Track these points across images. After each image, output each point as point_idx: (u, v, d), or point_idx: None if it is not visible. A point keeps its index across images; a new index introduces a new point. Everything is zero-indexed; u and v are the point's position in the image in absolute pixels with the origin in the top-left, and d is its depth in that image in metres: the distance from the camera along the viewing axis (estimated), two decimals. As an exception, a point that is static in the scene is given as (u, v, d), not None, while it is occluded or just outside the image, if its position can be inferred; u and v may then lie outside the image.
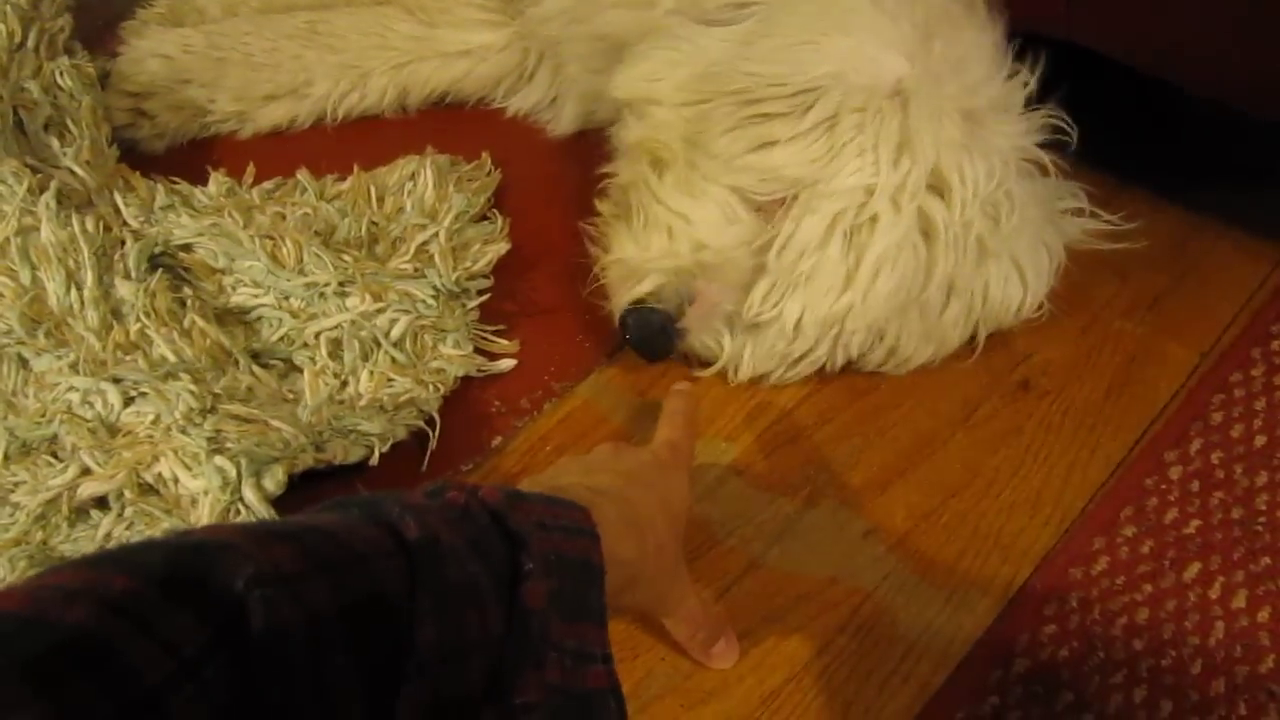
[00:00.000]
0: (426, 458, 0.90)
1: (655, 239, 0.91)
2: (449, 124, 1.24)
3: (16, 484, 0.83)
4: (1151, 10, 0.97)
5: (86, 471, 0.82)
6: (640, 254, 0.91)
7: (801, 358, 0.92)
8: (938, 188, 0.87)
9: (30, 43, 1.11)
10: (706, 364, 0.95)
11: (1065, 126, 0.94)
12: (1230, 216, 1.13)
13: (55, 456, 0.84)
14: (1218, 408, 0.96)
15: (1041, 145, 0.94)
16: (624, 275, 0.92)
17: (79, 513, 0.81)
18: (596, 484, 0.69)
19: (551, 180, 1.16)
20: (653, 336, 0.90)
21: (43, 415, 0.85)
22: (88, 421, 0.84)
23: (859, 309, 0.87)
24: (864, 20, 0.88)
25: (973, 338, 0.97)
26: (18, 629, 0.38)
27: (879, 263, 0.86)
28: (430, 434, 0.90)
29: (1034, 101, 0.94)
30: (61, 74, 1.11)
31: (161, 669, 0.39)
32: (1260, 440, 0.93)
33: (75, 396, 0.85)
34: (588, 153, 1.04)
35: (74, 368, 0.86)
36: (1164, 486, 0.90)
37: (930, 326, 0.93)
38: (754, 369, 0.94)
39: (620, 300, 0.92)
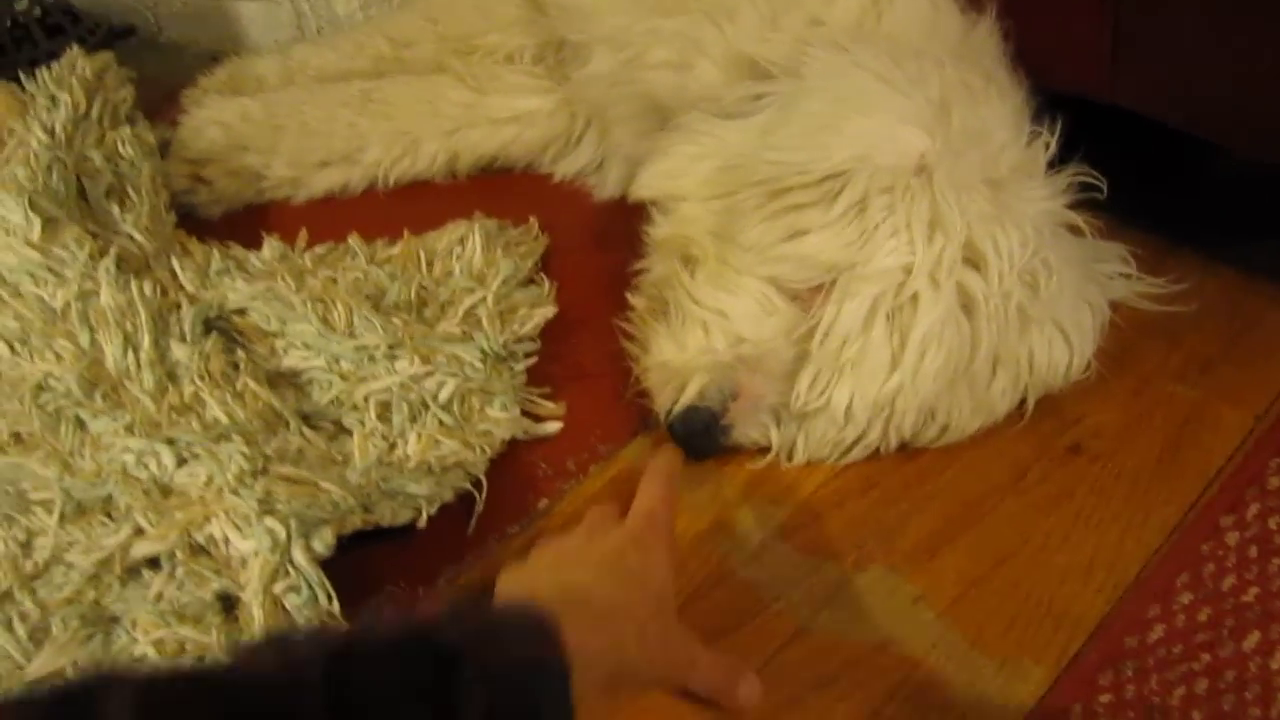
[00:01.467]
0: (473, 520, 0.91)
1: (692, 337, 0.91)
2: (497, 188, 1.26)
3: (71, 543, 0.84)
4: (1202, 74, 0.97)
5: (139, 531, 0.83)
6: (679, 355, 0.92)
7: (855, 443, 0.92)
8: (973, 261, 0.87)
9: (94, 113, 1.15)
10: (764, 450, 0.95)
11: (1094, 181, 0.94)
12: (1284, 277, 1.12)
13: (109, 516, 0.85)
14: (1274, 471, 0.94)
15: (1075, 205, 0.94)
16: (665, 378, 0.93)
17: (131, 572, 0.82)
18: (567, 580, 0.70)
19: (597, 244, 1.17)
20: (698, 436, 0.91)
21: (98, 476, 0.87)
22: (142, 482, 0.85)
23: (909, 390, 0.87)
24: (880, 100, 0.89)
25: (1022, 403, 0.96)
26: None
27: (924, 342, 0.86)
28: (477, 496, 0.91)
29: (1058, 161, 0.93)
30: (123, 143, 1.15)
31: None
32: (1320, 506, 0.91)
33: (130, 458, 0.87)
34: (633, 216, 1.05)
35: (129, 429, 0.88)
36: (1221, 552, 0.88)
37: (979, 399, 0.93)
38: (808, 456, 0.93)
39: (664, 404, 0.93)
